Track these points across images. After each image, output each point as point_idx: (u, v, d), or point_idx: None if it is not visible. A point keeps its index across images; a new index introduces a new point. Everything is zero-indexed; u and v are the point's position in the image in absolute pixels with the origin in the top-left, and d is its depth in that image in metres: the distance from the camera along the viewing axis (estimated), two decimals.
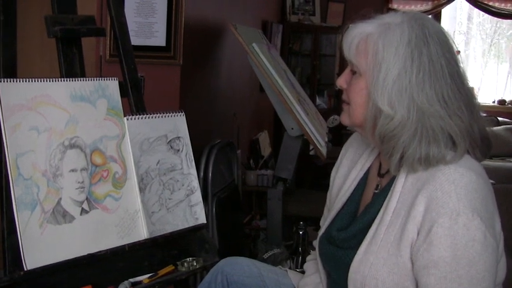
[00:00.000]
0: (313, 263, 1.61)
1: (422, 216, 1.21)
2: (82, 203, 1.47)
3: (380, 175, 1.42)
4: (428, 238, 1.20)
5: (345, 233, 1.40)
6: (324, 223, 1.52)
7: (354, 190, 1.47)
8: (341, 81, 1.37)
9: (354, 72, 1.33)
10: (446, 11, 6.66)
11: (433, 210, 1.20)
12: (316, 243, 1.53)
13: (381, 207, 1.32)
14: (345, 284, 1.34)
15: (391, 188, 1.32)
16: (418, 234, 1.22)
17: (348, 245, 1.38)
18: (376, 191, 1.41)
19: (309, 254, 1.70)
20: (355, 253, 1.32)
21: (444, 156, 1.23)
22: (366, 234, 1.32)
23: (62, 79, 1.53)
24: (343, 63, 1.51)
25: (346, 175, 1.51)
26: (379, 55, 1.25)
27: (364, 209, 1.40)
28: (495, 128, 5.77)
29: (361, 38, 1.29)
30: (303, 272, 1.67)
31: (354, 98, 1.32)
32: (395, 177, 1.32)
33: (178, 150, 1.71)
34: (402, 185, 1.29)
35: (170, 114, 1.71)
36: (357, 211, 1.43)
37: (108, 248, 1.50)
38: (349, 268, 1.32)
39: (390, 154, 1.28)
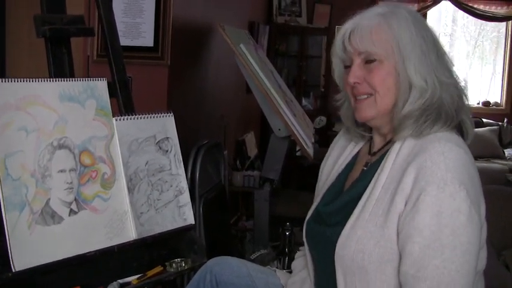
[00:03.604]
0: (300, 261, 1.62)
1: (410, 188, 1.24)
2: (71, 203, 1.47)
3: (371, 153, 1.44)
4: (415, 206, 1.22)
5: (331, 206, 1.42)
6: (311, 207, 1.53)
7: (341, 171, 1.49)
8: (354, 77, 1.35)
9: (370, 62, 1.34)
10: (431, 13, 6.72)
11: (422, 179, 1.22)
12: (303, 230, 1.53)
13: (369, 183, 1.34)
14: (332, 270, 1.34)
15: (381, 165, 1.34)
16: (405, 205, 1.24)
17: (334, 220, 1.39)
18: (364, 168, 1.43)
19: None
20: (342, 229, 1.33)
21: (446, 127, 1.31)
22: (353, 208, 1.34)
23: (51, 79, 1.52)
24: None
25: (335, 161, 1.53)
26: (400, 38, 1.31)
27: (351, 184, 1.42)
28: (479, 130, 5.82)
29: (372, 27, 1.33)
30: (290, 272, 1.67)
31: (381, 85, 1.34)
32: (385, 154, 1.35)
33: (167, 151, 1.71)
34: (393, 161, 1.32)
35: (159, 115, 1.71)
36: (343, 187, 1.45)
37: (97, 248, 1.49)
38: (336, 246, 1.33)
39: (401, 130, 1.32)
